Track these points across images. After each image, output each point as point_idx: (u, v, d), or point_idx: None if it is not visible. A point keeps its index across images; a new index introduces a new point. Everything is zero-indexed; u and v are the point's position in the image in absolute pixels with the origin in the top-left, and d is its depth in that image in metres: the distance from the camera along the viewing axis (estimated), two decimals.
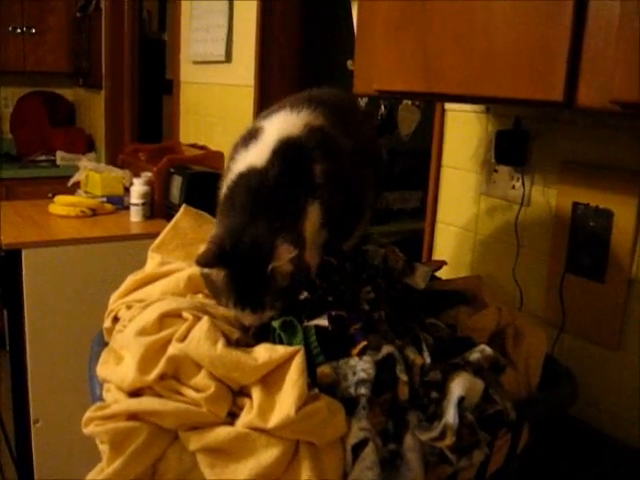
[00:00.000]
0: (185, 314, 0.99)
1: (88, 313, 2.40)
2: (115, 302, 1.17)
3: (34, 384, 2.49)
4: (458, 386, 0.95)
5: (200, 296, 1.10)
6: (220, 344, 0.92)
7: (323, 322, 0.99)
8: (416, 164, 3.16)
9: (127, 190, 2.93)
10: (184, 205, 1.24)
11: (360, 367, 0.92)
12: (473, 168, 1.75)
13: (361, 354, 0.95)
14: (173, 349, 0.93)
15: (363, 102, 2.27)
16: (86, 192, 3.05)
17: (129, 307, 1.11)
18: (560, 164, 1.50)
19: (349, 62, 1.48)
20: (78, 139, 5.12)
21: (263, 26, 2.76)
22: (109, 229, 2.68)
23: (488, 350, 1.03)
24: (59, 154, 4.86)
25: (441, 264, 1.41)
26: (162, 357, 0.93)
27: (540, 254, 1.55)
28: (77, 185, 3.13)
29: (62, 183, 3.33)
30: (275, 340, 0.99)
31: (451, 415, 0.91)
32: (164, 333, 0.96)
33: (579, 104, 0.93)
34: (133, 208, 2.78)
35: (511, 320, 1.22)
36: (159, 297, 1.08)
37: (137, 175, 2.89)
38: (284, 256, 0.98)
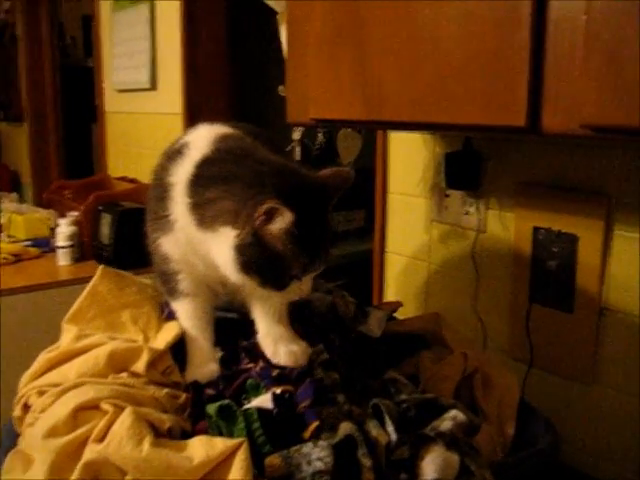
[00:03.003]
0: (104, 405, 0.83)
1: (14, 374, 2.19)
2: (26, 386, 1.00)
3: None
4: (431, 465, 0.82)
5: (124, 375, 0.94)
6: (147, 443, 0.76)
7: (266, 403, 0.84)
8: (358, 183, 3.04)
9: (53, 231, 2.73)
10: (101, 266, 1.08)
11: (315, 455, 0.78)
12: (422, 193, 1.62)
13: (315, 437, 0.81)
14: (90, 453, 0.77)
15: (299, 132, 2.13)
16: (9, 236, 2.86)
17: (41, 393, 0.95)
18: (516, 186, 1.39)
19: (280, 88, 1.34)
20: (2, 176, 4.89)
21: (188, 51, 2.65)
22: (35, 276, 2.48)
23: (461, 416, 0.90)
24: None
25: (396, 306, 1.29)
26: (77, 463, 0.77)
27: (501, 284, 1.44)
28: None
29: None
30: (212, 429, 0.84)
31: None
32: (78, 432, 0.80)
33: (545, 130, 0.81)
34: (60, 251, 2.59)
35: (478, 365, 1.13)
36: (76, 380, 0.92)
37: (63, 215, 2.70)
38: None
